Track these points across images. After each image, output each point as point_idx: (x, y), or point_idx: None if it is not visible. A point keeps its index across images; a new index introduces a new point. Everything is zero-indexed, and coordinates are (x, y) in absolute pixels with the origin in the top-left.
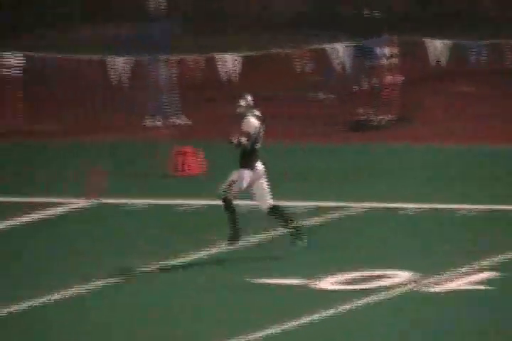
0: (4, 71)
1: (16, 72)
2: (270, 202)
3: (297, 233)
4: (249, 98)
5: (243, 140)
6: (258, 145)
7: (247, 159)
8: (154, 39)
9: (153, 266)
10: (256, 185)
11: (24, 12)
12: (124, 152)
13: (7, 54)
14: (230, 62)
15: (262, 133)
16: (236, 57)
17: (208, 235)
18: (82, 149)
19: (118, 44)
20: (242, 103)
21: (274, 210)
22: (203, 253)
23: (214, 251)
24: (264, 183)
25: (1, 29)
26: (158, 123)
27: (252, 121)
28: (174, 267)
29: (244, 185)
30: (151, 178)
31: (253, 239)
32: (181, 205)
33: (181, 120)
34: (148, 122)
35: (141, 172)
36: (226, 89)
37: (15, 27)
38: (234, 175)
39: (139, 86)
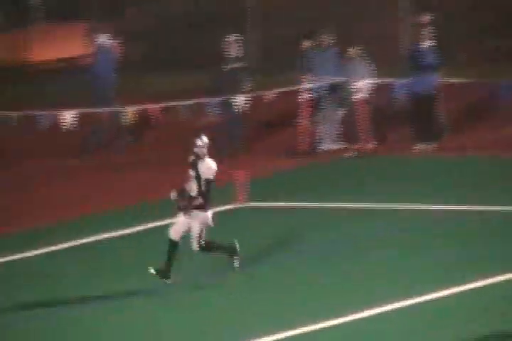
0: None
1: None
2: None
3: (232, 255)
4: (205, 138)
5: (199, 201)
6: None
7: (206, 202)
8: None
9: None
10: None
11: None
12: None
13: None
14: None
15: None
16: None
17: None
18: None
19: None
20: (200, 143)
21: (204, 250)
22: None
23: None
24: (196, 227)
25: None
26: None
27: (212, 165)
28: None
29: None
30: None
31: None
32: None
33: None
34: None
35: None
36: None
37: None
38: (196, 225)
39: None
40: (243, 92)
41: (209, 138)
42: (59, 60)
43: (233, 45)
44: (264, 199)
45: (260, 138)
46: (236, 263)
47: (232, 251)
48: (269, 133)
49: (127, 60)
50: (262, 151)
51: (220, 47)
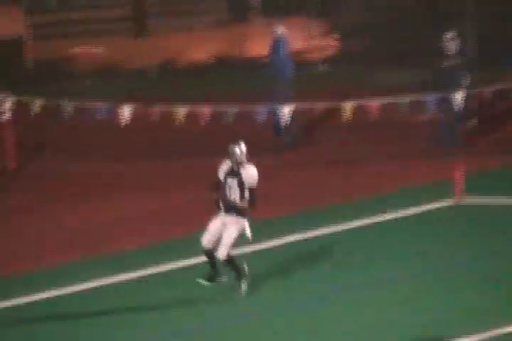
0: None
1: None
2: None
3: (240, 278)
4: (243, 145)
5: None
6: None
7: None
8: None
9: None
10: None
11: None
12: None
13: None
14: None
15: None
16: None
17: None
18: None
19: None
20: (238, 151)
21: (227, 262)
22: None
23: None
24: (234, 233)
25: None
26: None
27: (255, 172)
28: None
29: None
30: None
31: None
32: None
33: None
34: None
35: None
36: None
37: None
38: (234, 231)
39: None
40: (462, 88)
41: (428, 135)
42: None
43: (452, 42)
44: (486, 195)
45: (481, 134)
46: (244, 287)
47: (242, 274)
48: (491, 129)
49: (348, 54)
50: (483, 147)
51: (437, 42)
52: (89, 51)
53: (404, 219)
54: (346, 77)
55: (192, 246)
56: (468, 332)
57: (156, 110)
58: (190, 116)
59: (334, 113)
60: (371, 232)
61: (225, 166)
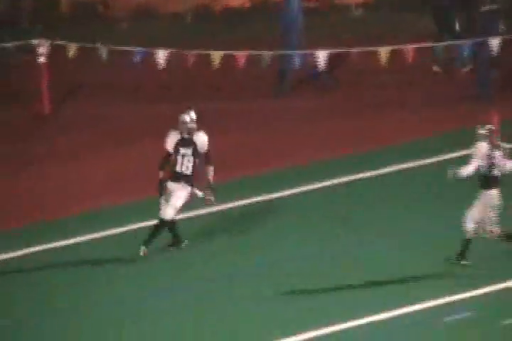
0: None
1: None
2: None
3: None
4: (193, 113)
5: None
6: None
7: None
8: None
9: None
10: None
11: None
12: None
13: None
14: None
15: None
16: None
17: None
18: None
19: None
20: (188, 119)
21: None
22: None
23: None
24: (182, 196)
25: None
26: None
27: (206, 137)
28: None
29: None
30: None
31: None
32: None
33: None
34: None
35: None
36: None
37: None
38: (182, 196)
39: None
40: (498, 35)
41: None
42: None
43: None
44: None
45: None
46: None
47: (178, 241)
48: None
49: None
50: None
51: None
52: None
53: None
54: (381, 21)
55: None
56: None
57: (191, 54)
58: (226, 61)
59: (370, 57)
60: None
61: (173, 137)
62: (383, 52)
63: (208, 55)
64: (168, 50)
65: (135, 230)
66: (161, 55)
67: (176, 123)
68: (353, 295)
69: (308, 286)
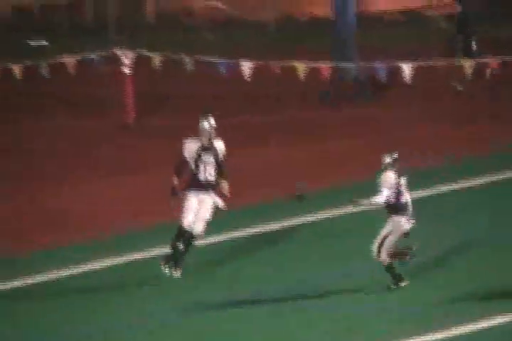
0: None
1: None
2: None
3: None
4: (212, 119)
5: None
6: None
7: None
8: None
9: None
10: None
11: None
12: None
13: None
14: None
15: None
16: None
17: None
18: None
19: None
20: (207, 126)
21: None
22: None
23: None
24: (210, 208)
25: None
26: None
27: (223, 145)
28: None
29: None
30: None
31: None
32: None
33: None
34: None
35: None
36: None
37: None
38: (209, 207)
39: None
40: None
41: None
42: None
43: None
44: None
45: None
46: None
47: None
48: None
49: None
50: None
51: None
52: (211, 5)
53: None
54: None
55: None
56: None
57: (276, 64)
58: (310, 71)
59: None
60: None
61: (192, 145)
62: (467, 64)
63: (293, 65)
64: (253, 62)
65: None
66: (246, 66)
67: (265, 133)
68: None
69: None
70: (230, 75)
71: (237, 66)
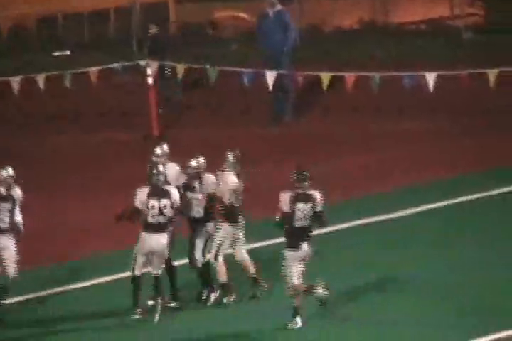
0: None
1: None
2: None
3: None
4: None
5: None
6: None
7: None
8: None
9: None
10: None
11: None
12: None
13: None
14: None
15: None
16: None
17: None
18: None
19: None
20: (194, 164)
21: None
22: None
23: None
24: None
25: None
26: None
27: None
28: None
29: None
30: None
31: None
32: None
33: None
34: None
35: None
36: None
37: None
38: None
39: None
40: None
41: None
42: (421, 22)
43: None
44: None
45: None
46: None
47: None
48: None
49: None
50: None
51: None
52: (235, 15)
53: None
54: (490, 44)
55: None
56: None
57: (301, 75)
58: (336, 81)
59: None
60: None
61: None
62: (492, 74)
63: (318, 76)
64: (275, 72)
65: None
66: (270, 77)
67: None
68: None
69: None
70: (254, 85)
71: (261, 76)
